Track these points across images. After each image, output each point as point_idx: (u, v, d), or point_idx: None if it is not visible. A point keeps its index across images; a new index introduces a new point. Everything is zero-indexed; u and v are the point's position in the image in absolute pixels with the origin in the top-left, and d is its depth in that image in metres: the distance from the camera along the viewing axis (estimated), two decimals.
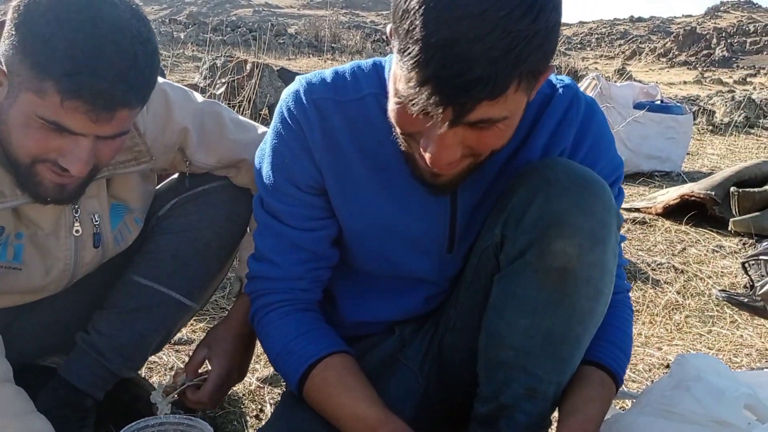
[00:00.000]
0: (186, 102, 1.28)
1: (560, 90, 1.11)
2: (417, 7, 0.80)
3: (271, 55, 10.44)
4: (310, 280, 1.17)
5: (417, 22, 0.79)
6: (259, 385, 1.69)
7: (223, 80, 4.17)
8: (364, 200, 1.11)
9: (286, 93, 1.11)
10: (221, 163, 1.32)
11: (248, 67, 4.30)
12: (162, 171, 1.37)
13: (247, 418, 1.55)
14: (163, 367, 1.72)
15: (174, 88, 1.28)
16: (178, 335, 1.87)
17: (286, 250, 1.14)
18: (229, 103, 3.57)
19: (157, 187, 1.38)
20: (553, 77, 1.13)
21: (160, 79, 1.20)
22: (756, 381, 1.07)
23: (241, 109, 3.44)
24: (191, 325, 1.96)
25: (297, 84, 1.10)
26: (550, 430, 1.10)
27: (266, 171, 1.13)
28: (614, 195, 1.11)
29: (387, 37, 0.94)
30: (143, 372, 1.67)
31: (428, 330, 1.23)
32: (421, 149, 0.91)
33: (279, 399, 1.23)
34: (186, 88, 1.34)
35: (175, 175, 1.40)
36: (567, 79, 1.13)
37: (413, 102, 0.84)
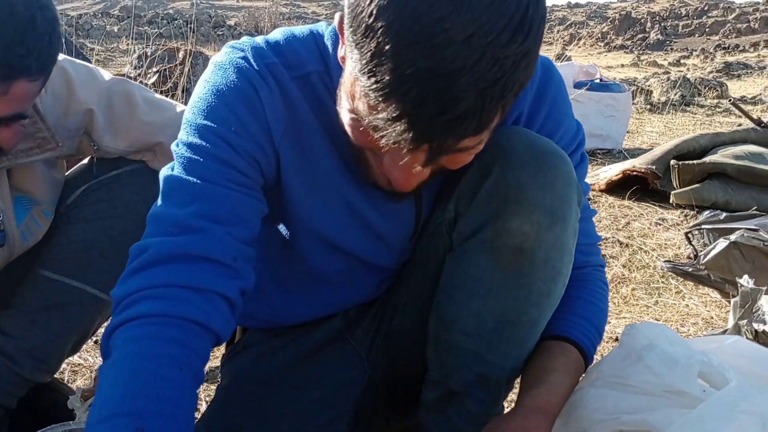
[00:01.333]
0: (90, 81, 1.16)
1: None
2: (386, 27, 0.65)
3: (210, 47, 10.19)
4: (241, 283, 0.88)
5: (387, 47, 0.65)
6: None
7: (155, 69, 4.01)
8: (326, 183, 0.95)
9: (227, 53, 0.90)
10: (133, 146, 1.21)
11: (180, 55, 4.14)
12: (69, 157, 1.25)
13: None
14: (88, 370, 1.61)
15: (76, 65, 1.16)
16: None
17: (223, 217, 0.85)
18: (160, 92, 3.42)
19: (66, 174, 1.26)
20: None
21: (61, 56, 1.08)
22: (708, 347, 1.03)
23: (174, 98, 3.30)
24: None
25: (239, 45, 0.90)
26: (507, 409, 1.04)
27: (189, 131, 0.88)
28: (577, 162, 1.04)
29: (337, 27, 0.79)
30: (66, 376, 1.55)
31: (377, 311, 1.15)
32: (385, 169, 0.79)
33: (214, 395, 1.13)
34: (91, 66, 1.22)
35: (86, 160, 1.28)
36: None
37: (381, 134, 0.70)
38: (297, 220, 1.01)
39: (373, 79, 0.67)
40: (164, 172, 0.88)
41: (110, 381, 0.75)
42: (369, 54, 0.66)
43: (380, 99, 0.67)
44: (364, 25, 0.66)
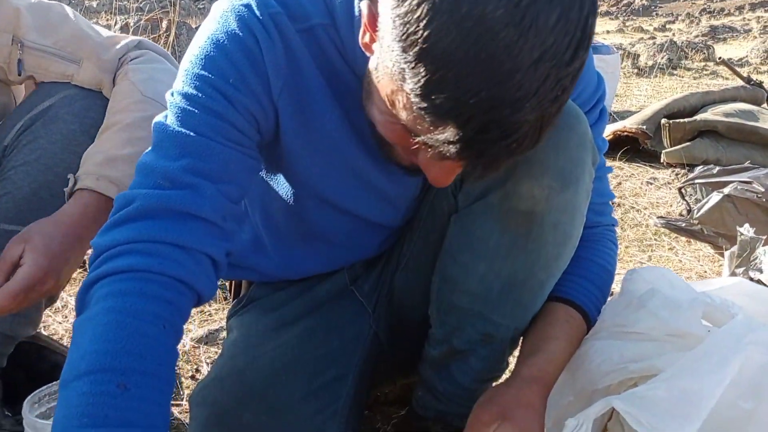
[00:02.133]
0: None
1: None
2: (445, 54, 0.59)
3: (190, 20, 10.02)
4: (226, 246, 0.85)
5: (448, 74, 0.60)
6: (193, 345, 1.59)
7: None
8: (329, 141, 0.91)
9: (229, 2, 0.83)
10: (59, 46, 1.15)
11: (164, 25, 4.07)
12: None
13: (182, 379, 1.45)
14: None
15: None
16: None
17: (215, 174, 0.82)
18: None
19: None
20: None
21: None
22: (710, 289, 1.03)
23: None
24: None
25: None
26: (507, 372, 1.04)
27: (186, 81, 0.83)
28: (595, 119, 1.00)
29: (366, 20, 0.71)
30: (66, 341, 1.54)
31: (382, 267, 1.14)
32: (420, 163, 0.75)
33: (216, 358, 1.12)
34: None
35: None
36: None
37: (428, 145, 0.67)
38: (296, 180, 0.98)
39: (428, 103, 0.63)
40: (158, 120, 0.84)
41: (89, 336, 0.72)
42: (425, 78, 0.61)
43: (436, 122, 0.64)
44: (418, 48, 0.61)
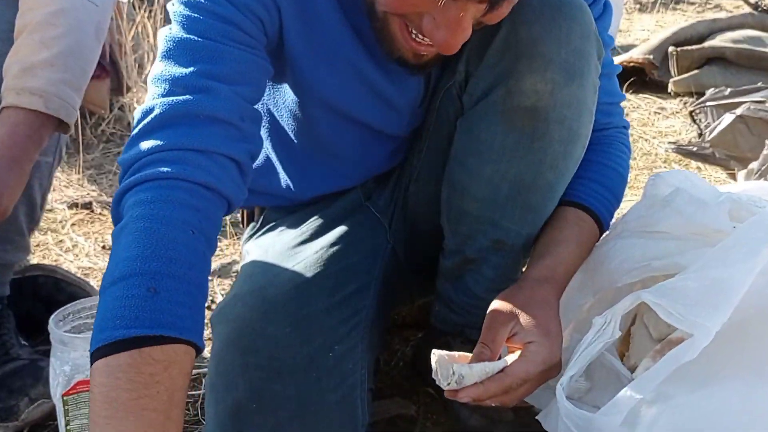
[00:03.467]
0: None
1: None
2: None
3: None
4: (249, 147, 0.83)
5: None
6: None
7: None
8: (333, 47, 0.90)
9: None
10: None
11: None
12: None
13: None
14: (100, 272, 1.59)
15: None
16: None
17: (229, 76, 0.80)
18: (135, 8, 3.28)
19: None
20: None
21: None
22: (733, 190, 1.02)
23: (153, 12, 3.17)
24: None
25: None
26: None
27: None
28: (599, 12, 0.98)
29: None
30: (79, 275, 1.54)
31: (395, 181, 1.12)
32: (426, 32, 0.75)
33: (229, 290, 1.11)
34: None
35: None
36: None
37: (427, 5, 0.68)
38: (302, 87, 0.97)
39: None
40: (162, 33, 0.83)
41: (122, 245, 0.72)
42: None
43: None
44: None
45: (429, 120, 1.02)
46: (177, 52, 0.80)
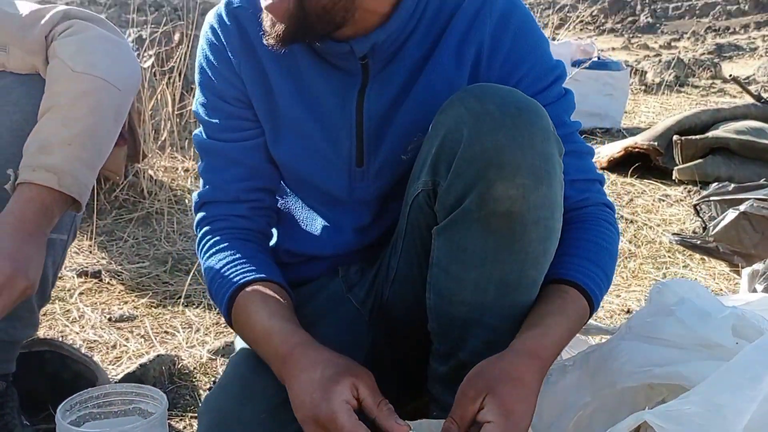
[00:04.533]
0: None
1: None
2: None
3: (199, 33, 10.09)
4: (250, 204, 1.11)
5: None
6: (210, 357, 1.59)
7: (150, 52, 3.96)
8: (283, 109, 1.07)
9: (209, 14, 1.09)
10: None
11: (176, 37, 4.09)
12: None
13: (200, 391, 1.45)
14: (104, 346, 1.60)
15: None
16: (119, 312, 1.75)
17: (223, 167, 1.10)
18: (159, 74, 3.38)
19: None
20: None
21: None
22: (737, 303, 1.03)
23: (171, 80, 3.27)
24: (133, 301, 1.84)
25: (219, 5, 1.08)
26: None
27: (198, 94, 1.11)
28: (557, 97, 1.03)
29: None
30: (83, 349, 1.54)
31: (375, 275, 1.15)
32: None
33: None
34: None
35: None
36: None
37: None
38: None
39: None
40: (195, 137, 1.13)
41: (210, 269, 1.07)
42: None
43: None
44: None
45: (401, 224, 1.05)
46: (199, 152, 1.13)
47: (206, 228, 1.11)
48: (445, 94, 0.97)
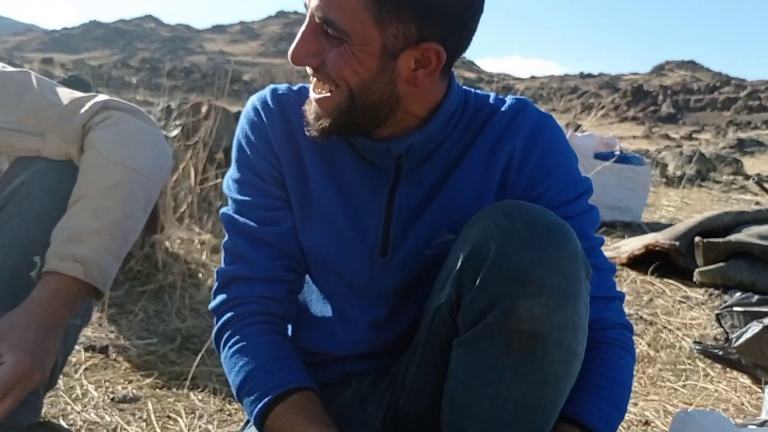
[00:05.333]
0: None
1: (511, 101, 1.07)
2: None
3: (225, 101, 10.34)
4: (287, 285, 1.09)
5: None
6: None
7: (178, 122, 4.05)
8: (314, 193, 1.08)
9: (253, 96, 1.11)
10: (20, 121, 1.13)
11: (204, 109, 4.18)
12: None
13: None
14: (105, 428, 1.56)
15: None
16: (123, 392, 1.71)
17: (257, 244, 1.07)
18: (184, 147, 3.44)
19: None
20: (511, 97, 1.09)
21: None
22: None
23: (196, 151, 3.32)
24: (138, 380, 1.80)
25: (265, 89, 1.11)
26: None
27: (233, 171, 1.10)
28: (579, 212, 1.04)
29: None
30: (83, 430, 1.50)
31: (388, 386, 1.11)
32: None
33: None
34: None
35: None
36: (523, 98, 1.09)
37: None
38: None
39: None
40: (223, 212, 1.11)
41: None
42: None
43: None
44: None
45: (421, 333, 1.03)
46: (226, 227, 1.10)
47: (230, 314, 1.06)
48: (474, 196, 1.03)
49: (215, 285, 1.10)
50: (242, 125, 1.10)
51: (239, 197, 1.08)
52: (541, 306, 0.85)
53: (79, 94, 1.20)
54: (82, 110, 1.14)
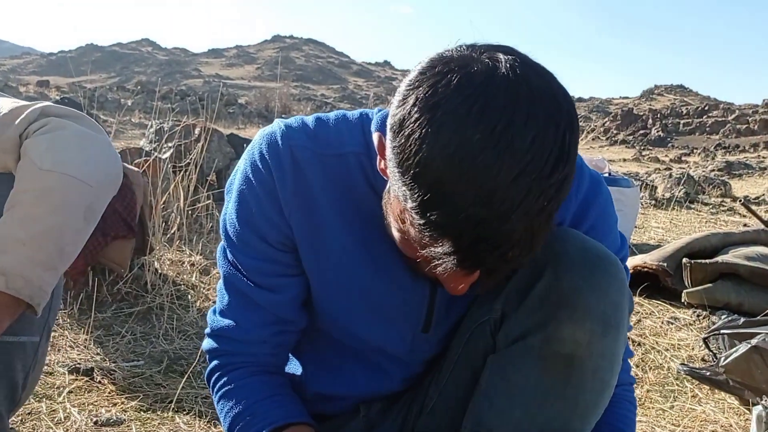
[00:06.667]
0: None
1: None
2: (435, 177, 0.69)
3: (220, 124, 10.38)
4: (274, 344, 1.05)
5: (437, 196, 0.69)
6: None
7: (170, 144, 4.06)
8: (337, 262, 0.98)
9: (261, 133, 0.97)
10: None
11: (197, 131, 4.20)
12: None
13: None
14: None
15: None
16: (107, 415, 1.69)
17: (250, 310, 1.02)
18: (176, 168, 3.44)
19: None
20: None
21: None
22: None
23: (188, 173, 3.32)
24: (122, 403, 1.79)
25: (275, 125, 0.97)
26: None
27: (231, 219, 0.98)
28: (619, 247, 1.03)
29: (377, 148, 0.83)
30: None
31: (400, 411, 1.10)
32: (437, 276, 0.79)
33: None
34: None
35: None
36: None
37: (433, 262, 0.75)
38: (312, 301, 1.04)
39: (425, 220, 0.71)
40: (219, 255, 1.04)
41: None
42: (419, 198, 0.70)
43: (435, 237, 0.71)
44: (412, 172, 0.70)
45: (453, 351, 1.02)
46: (223, 279, 1.04)
47: (218, 362, 1.06)
48: None
49: (208, 326, 1.08)
50: (246, 172, 0.95)
51: (237, 254, 0.99)
52: (585, 331, 0.85)
53: (21, 103, 1.16)
54: (18, 119, 1.10)
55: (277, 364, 1.09)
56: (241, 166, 0.97)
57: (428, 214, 0.70)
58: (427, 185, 0.69)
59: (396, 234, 0.82)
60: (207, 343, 1.08)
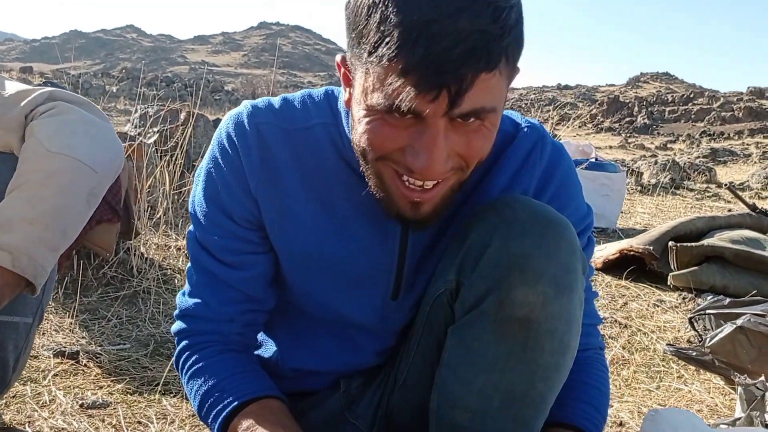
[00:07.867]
0: None
1: (525, 129, 1.01)
2: (386, 2, 0.73)
3: (206, 111, 10.31)
4: (242, 323, 1.05)
5: (390, 9, 0.73)
6: None
7: (155, 129, 4.02)
8: (304, 232, 0.99)
9: (228, 115, 0.99)
10: None
11: (182, 116, 4.16)
12: None
13: None
14: None
15: None
16: (93, 398, 1.68)
17: (217, 288, 1.02)
18: (161, 152, 3.41)
19: None
20: (518, 116, 1.05)
21: None
22: None
23: (174, 158, 3.29)
24: (108, 386, 1.77)
25: (242, 107, 0.99)
26: None
27: (198, 199, 1.00)
28: (584, 245, 1.03)
29: (339, 65, 0.87)
30: None
31: (378, 385, 1.10)
32: (408, 164, 0.81)
33: None
34: None
35: None
36: (534, 121, 1.04)
37: (400, 99, 0.75)
38: (280, 274, 1.06)
39: (383, 45, 0.74)
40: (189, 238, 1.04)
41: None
42: (375, 26, 0.74)
43: (394, 56, 0.73)
44: (365, 8, 0.75)
45: (417, 324, 1.03)
46: (191, 259, 1.04)
47: (186, 342, 1.05)
48: None
49: (177, 308, 1.07)
50: (213, 152, 0.98)
51: (204, 233, 1.01)
52: (537, 294, 0.86)
53: (28, 87, 1.17)
54: (26, 101, 1.11)
55: (245, 344, 1.07)
56: (210, 149, 0.99)
57: (387, 39, 0.73)
58: (379, 13, 0.73)
59: (362, 128, 0.82)
60: (176, 326, 1.07)
